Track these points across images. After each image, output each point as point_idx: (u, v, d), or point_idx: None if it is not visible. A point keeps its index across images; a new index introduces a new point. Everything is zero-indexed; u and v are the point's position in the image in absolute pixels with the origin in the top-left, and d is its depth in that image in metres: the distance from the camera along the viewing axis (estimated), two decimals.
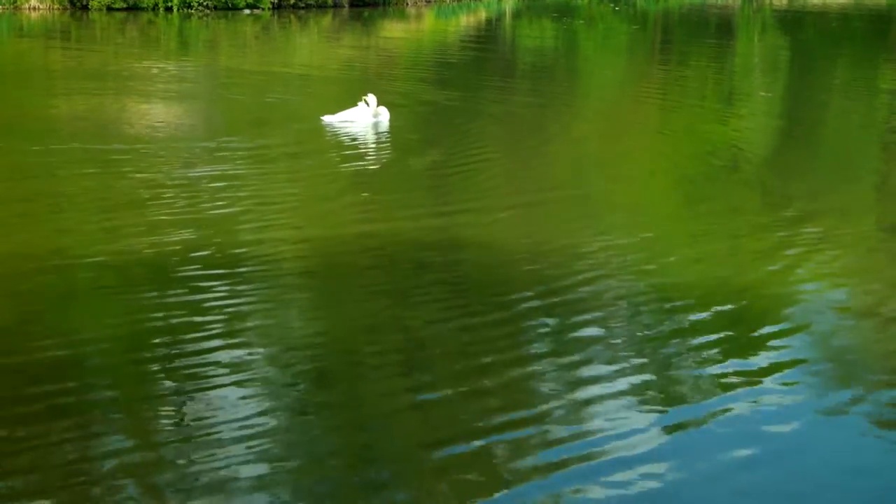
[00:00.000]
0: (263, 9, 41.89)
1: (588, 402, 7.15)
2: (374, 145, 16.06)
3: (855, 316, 9.00)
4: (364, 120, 17.17)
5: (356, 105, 17.32)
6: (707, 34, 40.43)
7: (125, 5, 40.04)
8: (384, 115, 17.31)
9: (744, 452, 6.52)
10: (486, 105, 20.72)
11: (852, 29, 44.77)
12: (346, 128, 16.88)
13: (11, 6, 39.94)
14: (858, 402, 7.29)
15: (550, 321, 8.63)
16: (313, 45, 35.09)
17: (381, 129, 16.95)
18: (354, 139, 16.26)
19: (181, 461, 6.31)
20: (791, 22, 47.48)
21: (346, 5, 44.08)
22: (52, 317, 8.75)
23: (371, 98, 17.26)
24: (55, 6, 40.16)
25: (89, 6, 39.94)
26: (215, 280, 9.34)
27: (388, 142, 16.38)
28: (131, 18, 38.58)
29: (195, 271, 9.60)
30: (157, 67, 26.63)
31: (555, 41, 37.19)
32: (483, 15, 46.19)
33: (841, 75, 27.88)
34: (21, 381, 7.40)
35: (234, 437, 6.54)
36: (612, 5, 51.44)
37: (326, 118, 17.24)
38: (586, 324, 8.55)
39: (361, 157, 15.23)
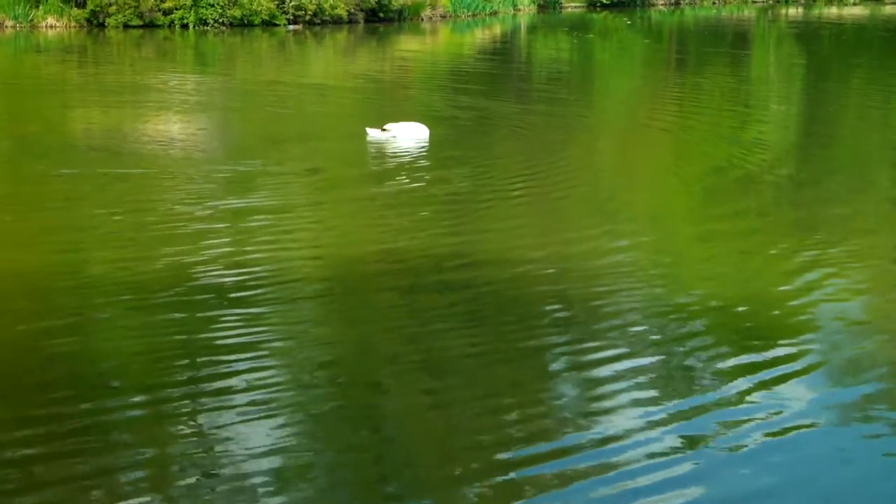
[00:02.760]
0: (294, 24, 41.94)
1: (607, 419, 7.12)
2: (411, 163, 15.82)
3: (874, 330, 8.92)
4: (404, 136, 16.93)
5: (385, 126, 17.09)
6: (723, 46, 40.36)
7: (141, 23, 40.14)
8: (423, 131, 17.09)
9: (764, 471, 6.46)
10: (514, 118, 20.72)
11: (869, 39, 44.67)
12: (384, 145, 16.71)
13: (28, 24, 40.09)
14: (876, 420, 7.22)
15: (570, 338, 8.65)
16: (333, 59, 35.17)
17: (420, 146, 16.72)
18: (392, 157, 16.07)
19: (201, 485, 6.28)
20: (807, 33, 47.40)
21: (362, 21, 44.13)
22: (78, 339, 8.73)
23: (393, 126, 17.02)
24: (72, 24, 40.28)
25: (106, 24, 40.06)
26: (236, 303, 9.29)
27: (426, 159, 16.15)
28: (148, 36, 38.70)
29: (220, 292, 9.57)
30: (190, 82, 26.74)
31: (572, 54, 37.18)
32: (498, 29, 46.20)
33: (857, 86, 27.78)
34: (37, 401, 7.38)
35: (253, 457, 6.52)
36: (625, 19, 51.38)
37: (370, 132, 17.02)
38: (606, 340, 8.52)
39: (397, 176, 14.92)
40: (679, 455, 6.63)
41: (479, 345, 8.50)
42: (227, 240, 11.31)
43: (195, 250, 10.86)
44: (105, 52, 35.50)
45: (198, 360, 8.05)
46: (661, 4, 58.76)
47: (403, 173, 15.08)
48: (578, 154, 17.12)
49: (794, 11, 59.05)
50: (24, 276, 10.16)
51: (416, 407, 7.46)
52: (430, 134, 17.16)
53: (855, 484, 6.42)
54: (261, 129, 18.97)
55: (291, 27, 41.61)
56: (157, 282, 9.80)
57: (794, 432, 6.94)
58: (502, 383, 7.78)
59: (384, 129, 17.02)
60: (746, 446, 6.75)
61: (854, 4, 62.37)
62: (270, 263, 10.42)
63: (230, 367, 7.86)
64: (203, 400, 7.34)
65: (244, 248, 10.94)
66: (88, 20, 40.30)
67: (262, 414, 7.08)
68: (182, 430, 6.94)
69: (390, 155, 16.18)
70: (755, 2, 61.71)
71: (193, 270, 10.16)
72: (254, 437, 6.75)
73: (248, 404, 7.25)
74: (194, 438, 6.81)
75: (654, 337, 8.62)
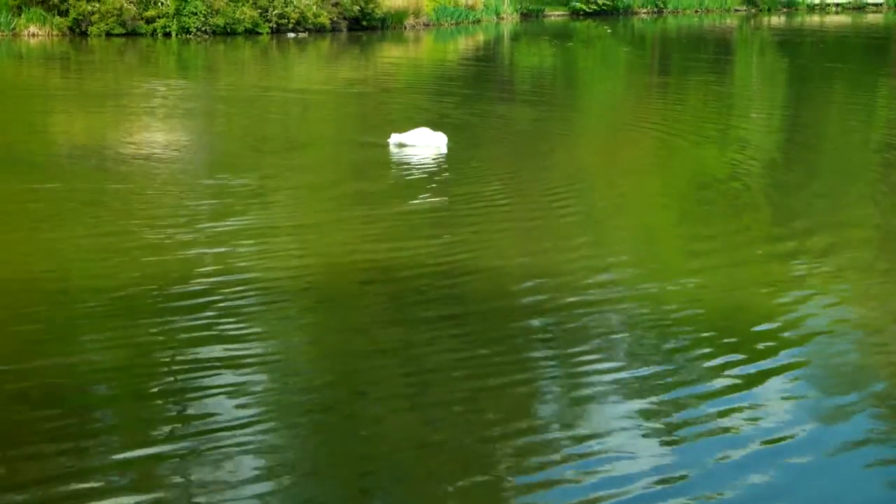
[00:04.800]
0: (298, 32, 41.90)
1: (594, 432, 7.11)
2: (432, 173, 15.57)
3: (860, 340, 8.92)
4: (423, 145, 16.76)
5: (402, 133, 17.00)
6: (705, 55, 40.48)
7: (124, 31, 39.99)
8: (442, 140, 16.89)
9: (749, 480, 6.45)
10: (508, 124, 20.78)
11: (851, 47, 44.89)
12: (400, 154, 16.51)
13: (10, 32, 39.88)
14: (862, 431, 7.20)
15: (553, 348, 8.67)
16: (322, 67, 35.09)
17: (439, 154, 16.52)
18: (409, 166, 15.86)
19: (181, 490, 6.23)
20: (789, 42, 47.61)
21: (345, 29, 44.07)
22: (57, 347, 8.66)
23: (410, 133, 16.90)
24: (54, 32, 40.10)
25: (88, 32, 39.90)
26: (220, 311, 9.23)
27: (446, 170, 15.88)
28: (130, 44, 38.54)
29: (200, 301, 9.51)
30: (175, 90, 26.65)
31: (556, 62, 37.22)
32: (481, 37, 46.23)
33: (840, 95, 27.89)
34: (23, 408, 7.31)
35: (235, 462, 6.50)
36: (606, 28, 51.47)
37: (393, 139, 16.89)
38: (592, 352, 8.50)
39: (417, 187, 14.60)
40: (664, 465, 6.61)
41: (469, 361, 8.35)
42: (221, 258, 10.97)
43: (197, 273, 10.43)
44: (88, 61, 35.35)
45: (182, 376, 7.91)
46: (644, 13, 58.92)
47: (416, 185, 14.77)
48: (569, 163, 17.11)
49: (777, 20, 59.30)
50: (5, 293, 9.92)
51: (397, 414, 7.43)
52: (451, 142, 16.97)
53: (838, 494, 6.40)
54: (252, 139, 18.71)
55: (292, 35, 41.62)
56: (146, 304, 9.54)
57: (779, 442, 6.92)
58: (491, 396, 7.70)
59: (401, 138, 16.89)
60: (732, 456, 6.73)
61: (836, 13, 62.70)
62: (262, 282, 10.16)
63: (215, 383, 7.74)
64: (187, 413, 7.25)
65: (236, 265, 10.64)
66: (71, 29, 40.13)
67: (248, 438, 6.93)
68: (163, 443, 6.83)
69: (401, 165, 15.97)
70: (737, 10, 61.94)
71: (186, 292, 9.87)
72: (237, 456, 6.64)
73: (232, 421, 7.13)
74: (176, 454, 6.68)
75: (642, 349, 8.57)
